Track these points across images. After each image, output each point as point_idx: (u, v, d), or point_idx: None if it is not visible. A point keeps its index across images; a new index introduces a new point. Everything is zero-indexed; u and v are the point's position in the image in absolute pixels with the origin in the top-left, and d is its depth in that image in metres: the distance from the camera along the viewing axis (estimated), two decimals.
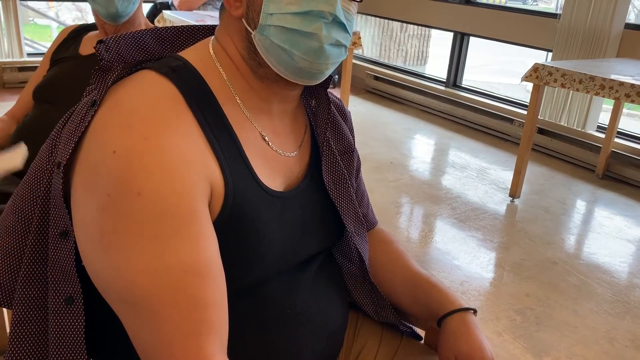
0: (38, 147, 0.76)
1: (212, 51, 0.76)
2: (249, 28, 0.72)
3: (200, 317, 0.63)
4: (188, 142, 0.66)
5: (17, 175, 1.43)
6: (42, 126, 1.35)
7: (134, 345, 0.66)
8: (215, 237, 0.67)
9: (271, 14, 0.69)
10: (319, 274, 0.86)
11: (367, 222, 1.00)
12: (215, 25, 0.81)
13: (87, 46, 1.65)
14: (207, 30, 0.84)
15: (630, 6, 3.51)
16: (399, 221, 2.79)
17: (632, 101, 2.43)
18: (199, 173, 0.66)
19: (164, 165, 0.63)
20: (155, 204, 0.62)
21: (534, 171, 3.54)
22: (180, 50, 0.79)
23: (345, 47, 0.74)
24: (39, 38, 7.89)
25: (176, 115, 0.67)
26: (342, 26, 0.71)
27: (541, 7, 9.35)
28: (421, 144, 4.07)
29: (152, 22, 3.64)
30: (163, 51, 0.80)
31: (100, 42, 0.72)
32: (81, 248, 0.66)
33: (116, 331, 0.69)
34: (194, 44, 0.80)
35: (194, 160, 0.66)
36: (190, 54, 0.76)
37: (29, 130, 1.56)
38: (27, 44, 5.20)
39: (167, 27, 0.81)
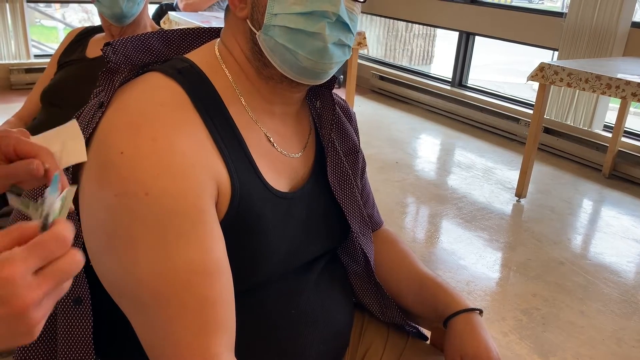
0: None
1: (217, 53, 0.77)
2: (253, 29, 0.73)
3: (207, 317, 0.64)
4: (195, 143, 0.66)
5: None
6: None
7: (142, 345, 0.66)
8: (223, 237, 0.67)
9: (276, 15, 0.70)
10: (323, 275, 0.86)
11: (373, 223, 1.00)
12: (221, 28, 0.81)
13: (93, 49, 1.66)
14: (213, 33, 0.84)
15: (637, 5, 3.49)
16: (404, 221, 2.79)
17: (639, 100, 2.41)
18: (206, 174, 0.66)
19: (171, 166, 0.63)
20: (162, 204, 0.62)
21: (540, 171, 3.53)
22: (187, 52, 0.79)
23: (349, 46, 0.74)
24: (46, 39, 7.93)
25: (183, 117, 0.67)
26: (346, 26, 0.72)
27: (547, 6, 9.32)
28: (427, 144, 4.07)
29: (158, 23, 3.65)
30: (169, 53, 0.80)
31: (107, 44, 0.73)
32: (89, 248, 0.67)
33: (124, 331, 0.70)
34: (200, 46, 0.81)
35: (201, 161, 0.66)
36: (197, 56, 0.76)
37: (36, 134, 1.57)
38: (34, 46, 5.23)
39: (173, 29, 0.82)
